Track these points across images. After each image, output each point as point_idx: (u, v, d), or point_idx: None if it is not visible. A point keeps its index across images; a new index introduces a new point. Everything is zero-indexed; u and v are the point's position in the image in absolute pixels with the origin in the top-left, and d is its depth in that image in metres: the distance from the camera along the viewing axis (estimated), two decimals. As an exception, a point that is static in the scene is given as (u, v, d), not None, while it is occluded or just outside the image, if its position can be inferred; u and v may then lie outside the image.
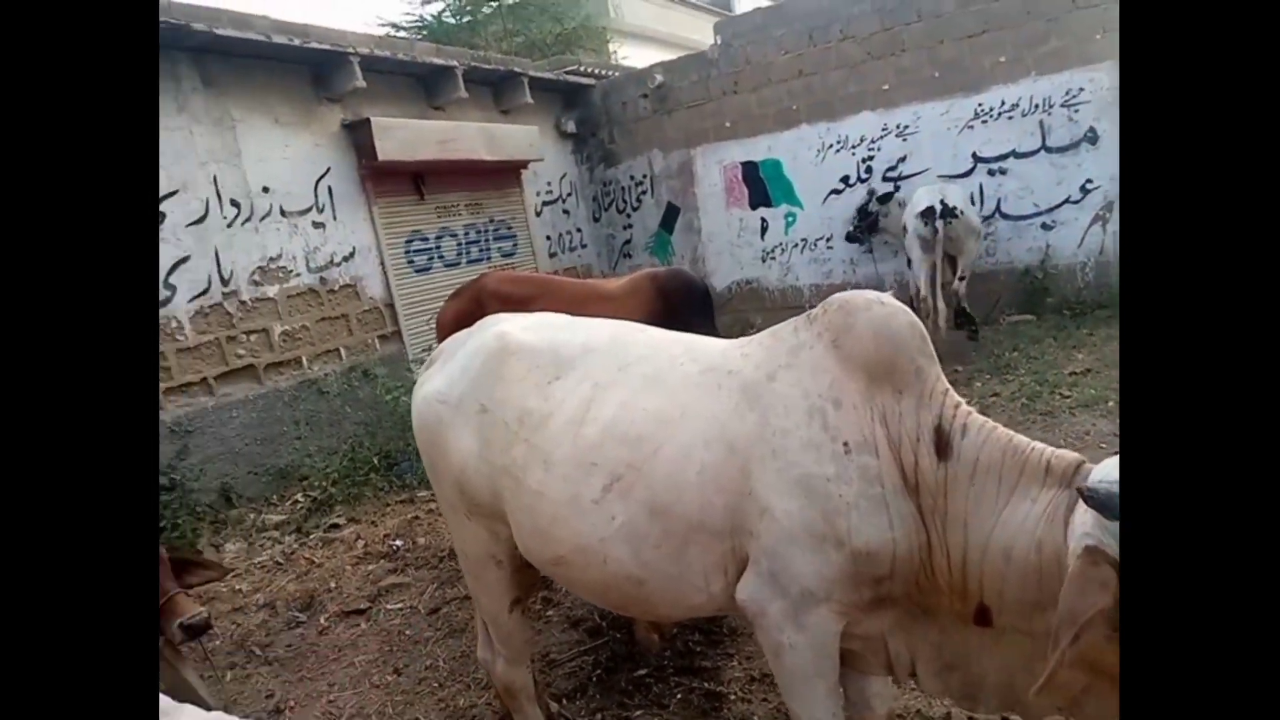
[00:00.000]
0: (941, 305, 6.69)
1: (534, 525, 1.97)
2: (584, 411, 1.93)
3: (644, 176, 9.64)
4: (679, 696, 2.77)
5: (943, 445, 1.64)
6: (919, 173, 7.86)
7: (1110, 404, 5.03)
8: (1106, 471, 1.36)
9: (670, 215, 9.61)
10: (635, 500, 1.82)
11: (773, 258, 9.06)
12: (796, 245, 8.84)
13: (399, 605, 3.75)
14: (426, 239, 7.52)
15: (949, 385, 1.74)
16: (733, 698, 2.73)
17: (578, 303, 3.51)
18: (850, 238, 8.26)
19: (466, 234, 7.97)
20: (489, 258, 8.20)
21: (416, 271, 7.37)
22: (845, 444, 1.69)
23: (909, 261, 7.22)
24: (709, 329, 3.37)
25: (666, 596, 1.89)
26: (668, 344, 2.03)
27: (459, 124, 7.62)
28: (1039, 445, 1.60)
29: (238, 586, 4.15)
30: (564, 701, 2.84)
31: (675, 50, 11.88)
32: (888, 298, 1.80)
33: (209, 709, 3.02)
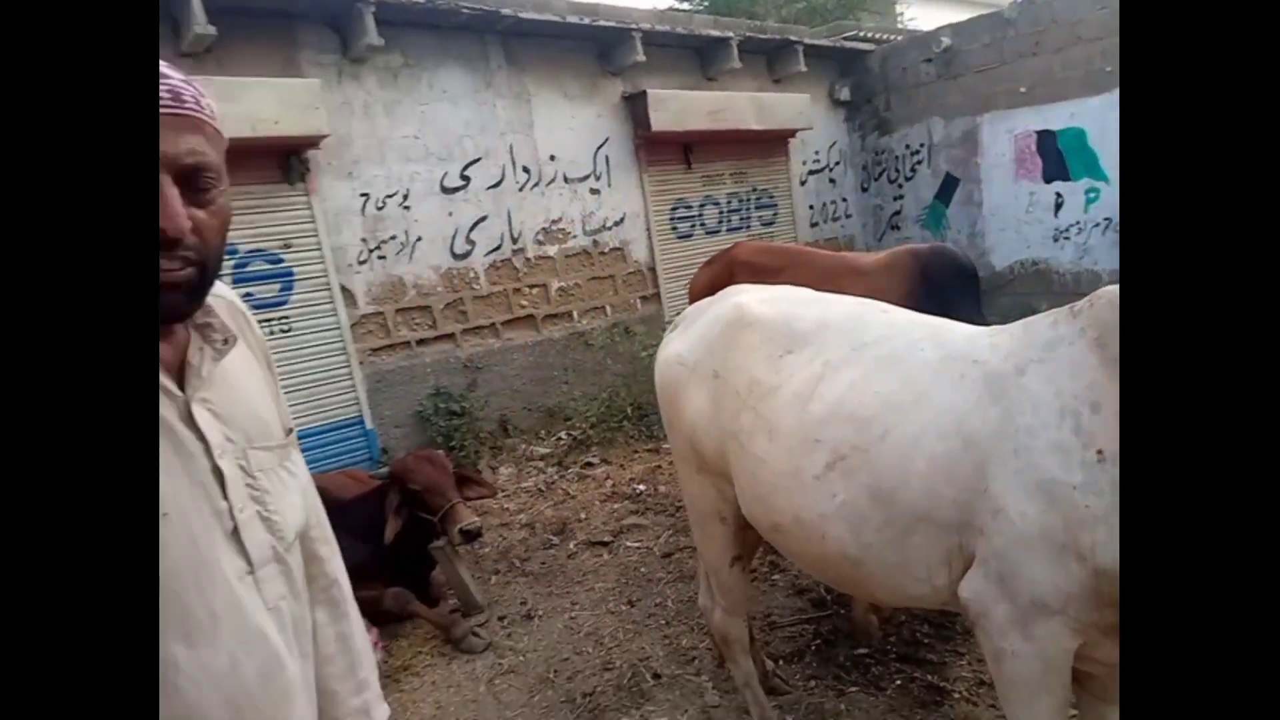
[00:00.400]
0: None
1: (755, 491, 2.06)
2: (812, 387, 1.96)
3: (921, 145, 9.09)
4: (898, 683, 2.74)
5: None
6: None
7: None
8: None
9: (948, 186, 8.98)
10: (858, 482, 1.83)
11: (1066, 237, 8.12)
12: (1098, 225, 7.83)
13: (637, 544, 4.08)
14: (690, 206, 7.81)
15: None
16: (957, 696, 2.64)
17: (828, 276, 3.48)
18: None
19: (729, 202, 8.14)
20: (749, 226, 8.31)
21: (679, 238, 7.70)
22: (1099, 451, 1.55)
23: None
24: (975, 314, 3.18)
25: (885, 582, 1.88)
26: (910, 326, 1.99)
27: (730, 94, 7.75)
28: None
29: (506, 506, 4.78)
30: (780, 663, 2.94)
31: (968, 9, 10.93)
32: (1170, 295, 1.60)
33: (476, 603, 3.56)
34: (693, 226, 7.84)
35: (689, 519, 2.55)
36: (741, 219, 8.27)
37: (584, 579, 3.84)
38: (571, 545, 4.19)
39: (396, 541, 3.42)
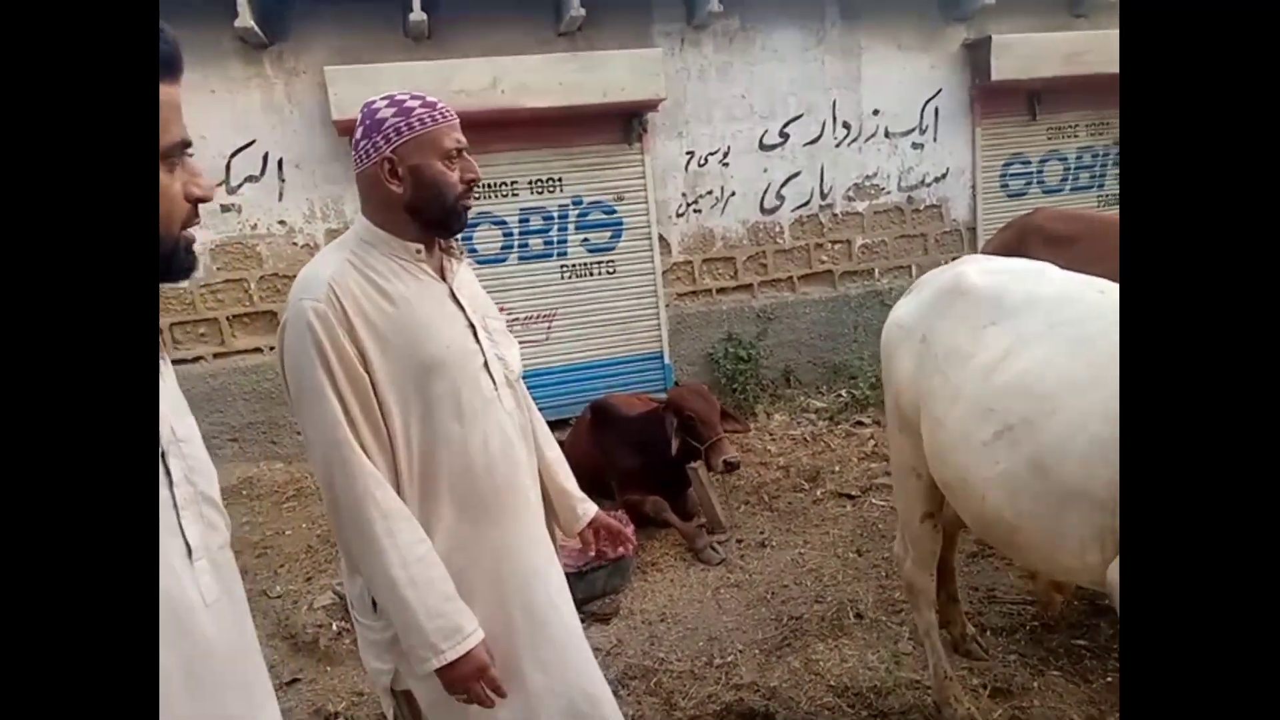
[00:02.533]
0: None
1: (933, 449, 2.16)
2: (999, 360, 2.00)
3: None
4: (1109, 680, 2.60)
5: None
6: None
7: None
8: None
9: None
10: (1020, 453, 1.87)
11: None
12: None
13: (882, 502, 4.17)
14: (1028, 162, 7.13)
15: None
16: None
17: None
18: None
19: (1079, 158, 7.24)
20: (1101, 185, 7.31)
21: (1009, 196, 7.11)
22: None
23: None
24: None
25: (1041, 551, 1.91)
26: (1114, 308, 1.90)
27: (1096, 33, 6.81)
28: None
29: (769, 448, 5.13)
30: (988, 633, 2.93)
31: None
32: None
33: (720, 523, 4.02)
34: (1028, 184, 7.16)
35: (891, 473, 2.68)
36: (1093, 176, 7.31)
37: (822, 524, 4.07)
38: (819, 492, 4.41)
39: (662, 457, 4.00)
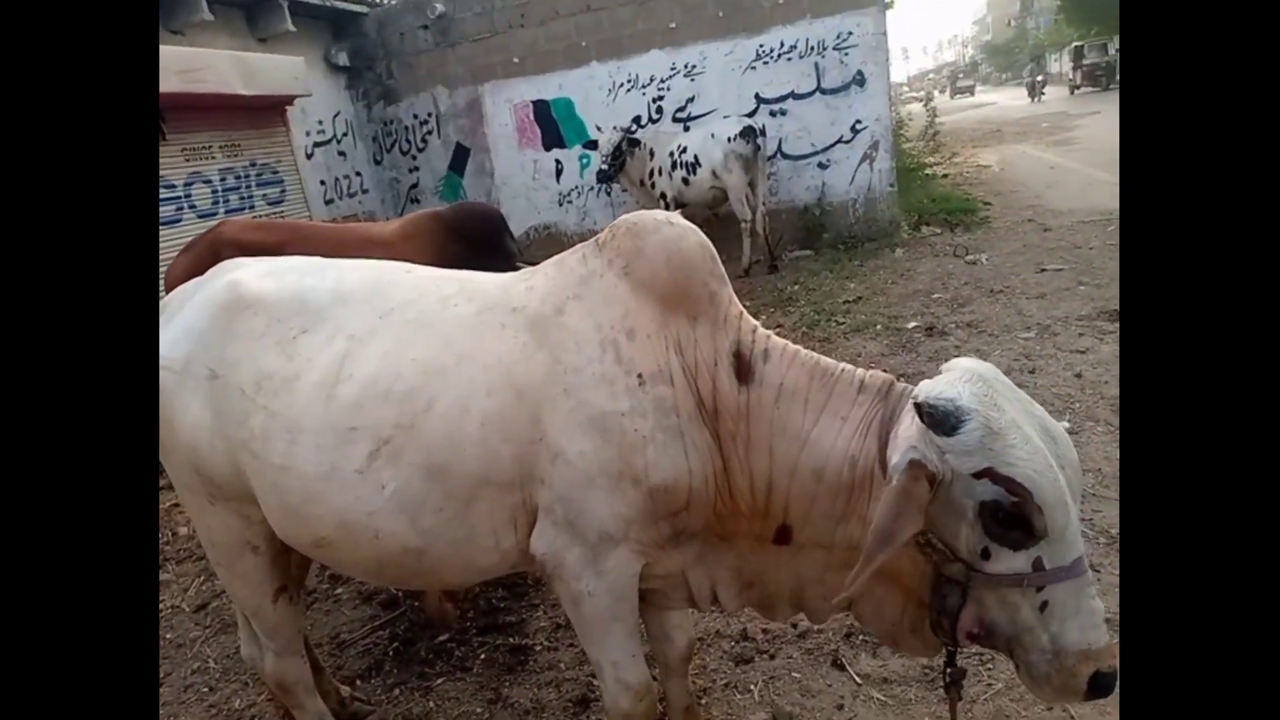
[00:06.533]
0: (759, 229, 7.26)
1: (283, 505, 1.69)
2: (338, 369, 1.67)
3: (429, 115, 9.02)
4: (483, 656, 2.63)
5: (743, 370, 1.58)
6: (707, 113, 7.97)
7: (879, 327, 5.44)
8: (930, 388, 1.34)
9: (460, 157, 9.09)
10: (408, 464, 1.61)
11: (569, 201, 8.89)
12: (593, 188, 8.72)
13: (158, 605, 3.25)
14: (173, 185, 6.52)
15: (744, 309, 1.67)
16: (538, 649, 2.64)
17: (340, 250, 3.10)
18: (602, 176, 8.05)
19: (223, 180, 7.01)
20: (252, 206, 7.29)
21: (163, 224, 6.38)
22: (639, 376, 1.58)
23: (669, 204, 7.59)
24: (517, 263, 3.12)
25: (453, 563, 1.71)
26: (437, 283, 1.80)
27: (205, 51, 6.63)
28: (849, 367, 1.58)
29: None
30: (358, 683, 2.59)
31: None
32: (676, 217, 1.69)
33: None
34: (179, 209, 6.56)
35: (210, 560, 2.02)
36: (242, 198, 7.21)
37: (81, 671, 2.91)
38: (55, 632, 3.14)
39: None
